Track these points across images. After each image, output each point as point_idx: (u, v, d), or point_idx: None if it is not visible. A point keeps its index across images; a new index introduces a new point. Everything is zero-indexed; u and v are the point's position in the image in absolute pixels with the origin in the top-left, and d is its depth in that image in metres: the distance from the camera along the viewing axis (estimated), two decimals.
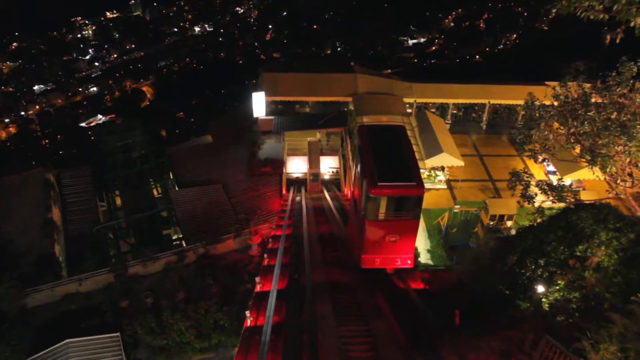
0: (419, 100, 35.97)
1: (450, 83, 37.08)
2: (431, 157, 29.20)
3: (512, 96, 36.31)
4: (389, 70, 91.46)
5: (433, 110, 36.78)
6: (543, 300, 12.11)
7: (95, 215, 31.33)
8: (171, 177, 33.89)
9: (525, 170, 23.05)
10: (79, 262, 27.44)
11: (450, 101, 36.11)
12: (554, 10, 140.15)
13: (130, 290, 21.01)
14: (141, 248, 28.17)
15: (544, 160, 23.67)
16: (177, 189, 32.52)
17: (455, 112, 37.30)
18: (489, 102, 36.05)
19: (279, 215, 24.19)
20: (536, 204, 21.06)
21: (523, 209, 29.53)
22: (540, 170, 33.44)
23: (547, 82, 37.04)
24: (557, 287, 11.96)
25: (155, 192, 33.83)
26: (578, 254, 11.97)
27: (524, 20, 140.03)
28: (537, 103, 23.59)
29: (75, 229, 29.78)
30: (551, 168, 32.60)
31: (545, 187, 20.72)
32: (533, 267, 12.42)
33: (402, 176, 12.83)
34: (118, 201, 33.61)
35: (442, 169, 30.66)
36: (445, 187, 30.58)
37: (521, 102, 36.47)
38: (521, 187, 22.08)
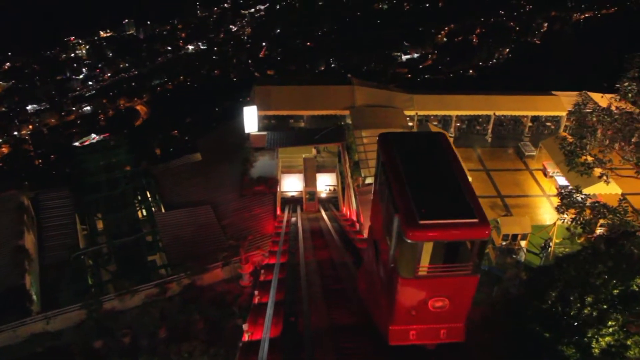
0: (420, 112, 34.12)
1: (452, 94, 35.34)
2: None
3: (517, 107, 34.61)
4: None
5: (435, 123, 34.91)
6: (593, 345, 9.93)
7: (74, 241, 28.93)
8: (157, 198, 31.61)
9: (577, 187, 20.00)
10: (54, 293, 25.10)
11: (454, 113, 34.28)
12: (545, 24, 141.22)
13: (105, 328, 18.60)
14: (123, 277, 25.88)
15: (606, 173, 20.21)
16: (163, 210, 30.26)
17: (458, 124, 35.43)
18: (494, 113, 34.23)
19: (273, 239, 21.96)
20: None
21: (537, 227, 27.53)
22: (551, 185, 31.56)
23: (553, 92, 35.50)
24: (610, 330, 9.82)
25: (140, 215, 31.48)
26: (635, 288, 9.89)
27: (516, 34, 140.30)
28: (590, 106, 20.73)
29: (51, 257, 27.36)
30: (563, 182, 30.67)
31: (605, 211, 18.04)
32: (579, 304, 10.25)
33: (455, 209, 8.47)
34: (100, 225, 31.24)
35: None
36: None
37: (528, 112, 34.93)
38: (574, 211, 19.10)
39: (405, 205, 8.57)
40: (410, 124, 33.83)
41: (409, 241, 8.20)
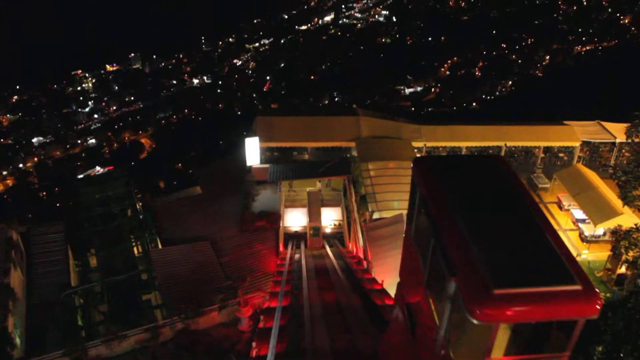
0: (429, 144, 32.97)
1: (461, 125, 34.31)
2: None
3: (529, 137, 33.46)
4: None
5: (444, 154, 33.76)
6: None
7: (66, 278, 27.40)
8: (154, 233, 30.24)
9: (637, 226, 18.03)
10: (41, 336, 23.47)
11: (463, 144, 33.09)
12: (547, 57, 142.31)
13: None
14: (115, 317, 24.34)
15: None
16: (160, 246, 28.84)
17: None
18: (505, 144, 33.06)
19: (274, 279, 20.45)
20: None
21: None
22: (567, 219, 30.09)
23: (565, 122, 34.53)
24: None
25: (136, 251, 30.04)
26: None
27: (519, 67, 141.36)
28: None
29: (40, 295, 25.83)
30: (580, 215, 29.24)
31: None
32: None
33: (545, 271, 5.67)
34: (94, 261, 29.77)
35: None
36: None
37: (540, 143, 33.75)
38: (635, 253, 17.30)
39: (467, 264, 5.67)
40: (418, 155, 32.69)
41: (476, 322, 5.26)
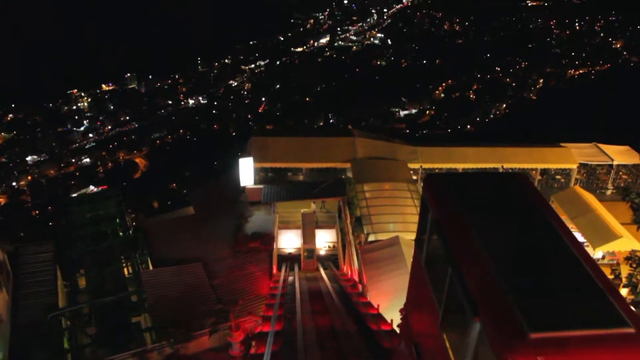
0: (425, 165, 32.80)
1: (458, 147, 34.27)
2: None
3: (526, 159, 33.41)
4: None
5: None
6: None
7: (54, 299, 26.69)
8: (145, 253, 29.69)
9: None
10: (26, 359, 22.76)
11: (460, 166, 32.95)
12: (540, 80, 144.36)
13: None
14: (103, 340, 23.68)
15: None
16: (151, 267, 28.25)
17: None
18: (502, 166, 32.99)
19: (267, 302, 19.93)
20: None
21: None
22: None
23: (562, 144, 34.63)
24: None
25: (126, 272, 29.44)
26: None
27: (513, 90, 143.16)
28: None
29: (27, 317, 25.11)
30: (578, 238, 28.93)
31: None
32: None
33: (588, 310, 4.72)
34: (83, 282, 29.11)
35: None
36: None
37: (537, 165, 33.69)
38: None
39: (494, 301, 4.80)
40: (415, 177, 32.47)
41: None
